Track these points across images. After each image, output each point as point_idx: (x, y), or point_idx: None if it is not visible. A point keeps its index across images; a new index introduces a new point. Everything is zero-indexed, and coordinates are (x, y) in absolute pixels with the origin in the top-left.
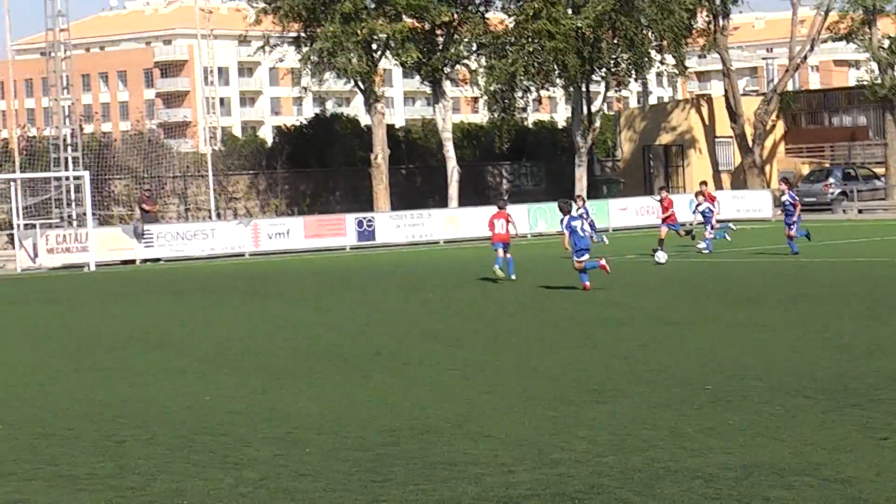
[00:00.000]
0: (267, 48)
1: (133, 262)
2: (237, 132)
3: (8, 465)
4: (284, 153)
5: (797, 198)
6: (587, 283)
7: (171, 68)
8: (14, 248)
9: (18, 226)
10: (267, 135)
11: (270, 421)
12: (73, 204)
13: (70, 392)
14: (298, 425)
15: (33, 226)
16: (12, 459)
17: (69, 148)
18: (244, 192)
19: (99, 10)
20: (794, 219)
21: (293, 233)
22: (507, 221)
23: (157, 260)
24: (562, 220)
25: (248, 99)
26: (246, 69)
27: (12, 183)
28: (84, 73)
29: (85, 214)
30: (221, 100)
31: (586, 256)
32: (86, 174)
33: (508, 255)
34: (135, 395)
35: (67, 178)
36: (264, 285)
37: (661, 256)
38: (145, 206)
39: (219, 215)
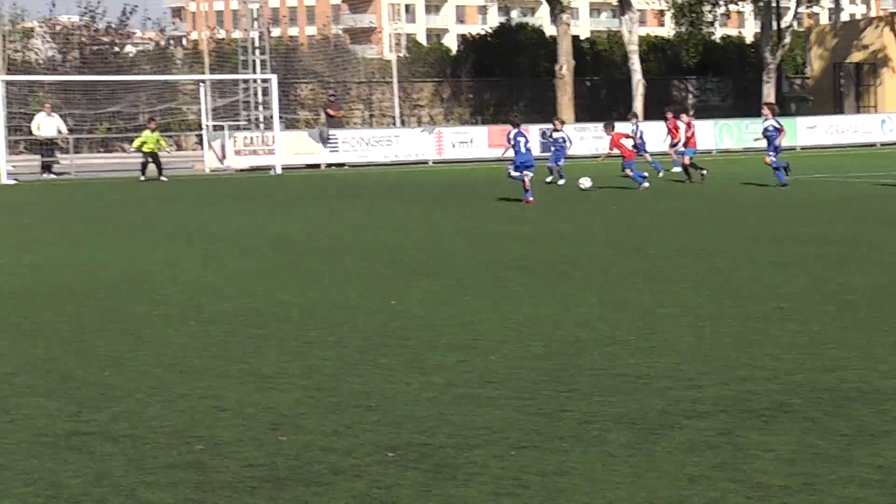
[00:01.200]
0: None
1: (318, 166)
2: (422, 39)
3: (201, 361)
4: (469, 62)
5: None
6: (530, 199)
7: None
8: (203, 148)
9: (207, 127)
10: (451, 43)
11: (454, 328)
12: (261, 107)
13: (257, 292)
14: (482, 333)
15: (221, 127)
16: (205, 356)
17: (257, 51)
18: (428, 100)
19: None
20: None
21: (476, 141)
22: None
23: (342, 165)
24: (508, 134)
25: (433, 6)
26: None
27: (201, 84)
28: None
29: (272, 117)
30: (407, 6)
31: (527, 174)
32: (273, 77)
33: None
34: (320, 298)
35: (255, 81)
36: (447, 193)
37: (585, 182)
38: (330, 111)
39: (402, 122)
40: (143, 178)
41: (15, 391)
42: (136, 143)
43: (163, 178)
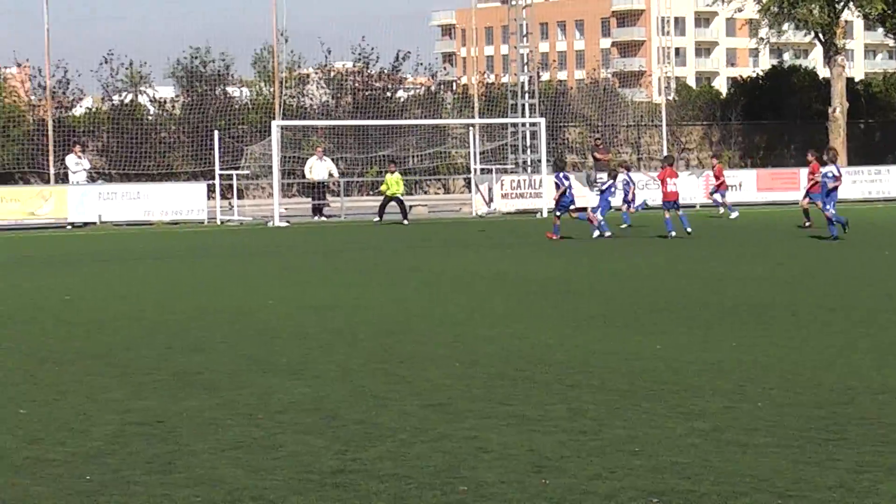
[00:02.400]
0: None
1: (584, 209)
2: (691, 82)
3: (465, 402)
4: (739, 104)
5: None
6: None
7: (627, 17)
8: (470, 192)
9: (475, 170)
10: (721, 86)
11: (720, 373)
12: (528, 150)
13: (521, 334)
14: (748, 379)
15: (489, 170)
16: (469, 397)
17: (526, 95)
18: (697, 143)
19: None
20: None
21: (745, 185)
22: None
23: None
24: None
25: (703, 49)
26: (703, 19)
27: (471, 128)
28: (542, 22)
29: (539, 161)
30: (677, 50)
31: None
32: (542, 121)
33: (679, 213)
34: (584, 341)
35: (524, 125)
36: (713, 237)
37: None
38: (598, 155)
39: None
40: (377, 220)
41: (283, 428)
42: (382, 187)
43: (405, 223)
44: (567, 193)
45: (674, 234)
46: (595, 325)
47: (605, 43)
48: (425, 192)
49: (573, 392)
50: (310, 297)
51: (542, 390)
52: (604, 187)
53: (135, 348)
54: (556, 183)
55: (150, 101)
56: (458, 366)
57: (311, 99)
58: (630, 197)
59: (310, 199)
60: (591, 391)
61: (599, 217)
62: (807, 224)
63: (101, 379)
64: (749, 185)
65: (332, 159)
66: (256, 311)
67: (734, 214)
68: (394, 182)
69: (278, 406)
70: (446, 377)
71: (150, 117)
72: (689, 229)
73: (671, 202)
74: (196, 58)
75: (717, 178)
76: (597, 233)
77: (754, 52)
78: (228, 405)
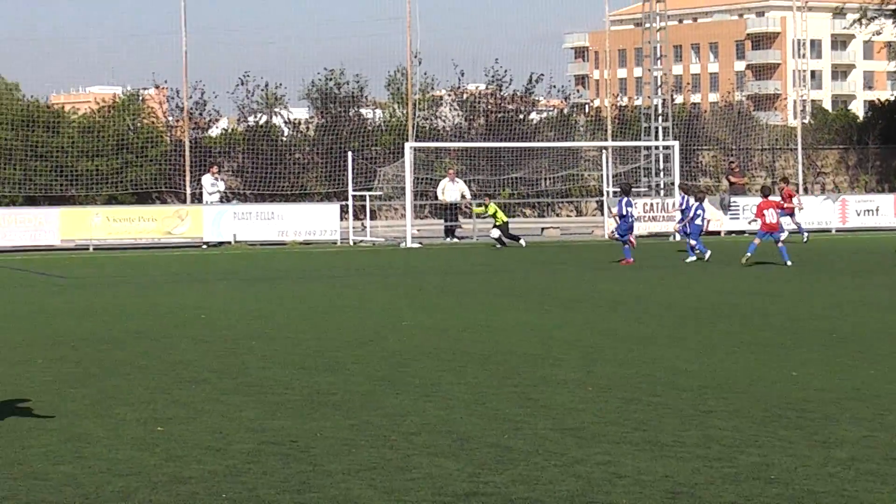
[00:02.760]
0: (863, 21)
1: (718, 233)
2: (827, 106)
3: (598, 426)
4: (877, 128)
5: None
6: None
7: (762, 40)
8: (602, 214)
9: (607, 193)
10: (858, 109)
11: (858, 401)
12: (661, 173)
13: (654, 359)
14: (888, 408)
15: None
16: (602, 422)
17: (659, 118)
18: (833, 167)
19: None
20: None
21: (883, 210)
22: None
23: (742, 232)
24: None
25: (839, 72)
26: (839, 42)
27: (604, 150)
28: (676, 45)
29: (672, 184)
30: (812, 73)
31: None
32: (675, 144)
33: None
34: (718, 366)
35: (657, 148)
36: (851, 262)
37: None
38: (732, 178)
39: (806, 190)
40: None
41: (416, 450)
42: (480, 210)
43: (522, 243)
44: (626, 220)
45: (744, 259)
46: (729, 349)
47: (740, 66)
48: (557, 215)
49: (708, 418)
50: (442, 319)
51: (676, 416)
52: (690, 213)
53: (269, 367)
54: (619, 209)
55: (285, 122)
56: (591, 390)
57: (444, 121)
58: (687, 220)
59: (442, 221)
60: (725, 417)
61: (692, 242)
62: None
63: (236, 398)
64: (886, 210)
65: (465, 181)
66: (389, 333)
67: (784, 235)
68: (493, 209)
69: (411, 428)
70: (579, 401)
71: (284, 138)
72: (788, 262)
73: (767, 233)
74: (330, 79)
75: (785, 200)
76: (692, 258)
77: (893, 76)
78: (362, 426)
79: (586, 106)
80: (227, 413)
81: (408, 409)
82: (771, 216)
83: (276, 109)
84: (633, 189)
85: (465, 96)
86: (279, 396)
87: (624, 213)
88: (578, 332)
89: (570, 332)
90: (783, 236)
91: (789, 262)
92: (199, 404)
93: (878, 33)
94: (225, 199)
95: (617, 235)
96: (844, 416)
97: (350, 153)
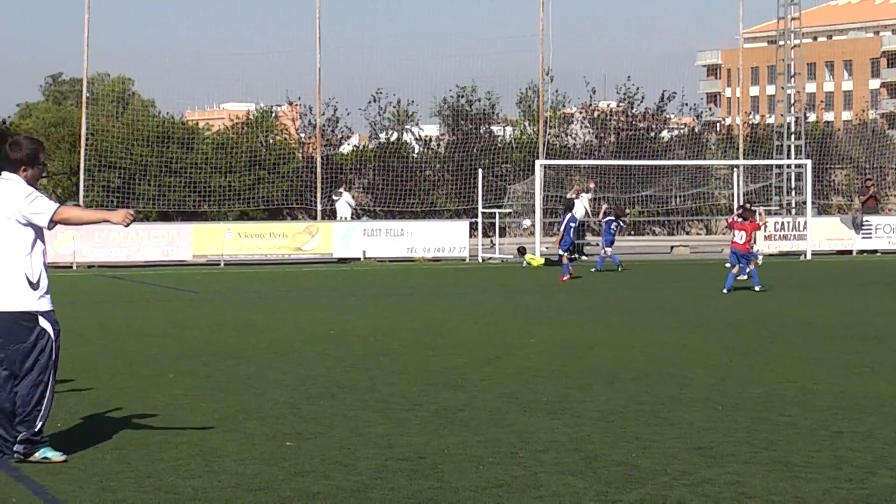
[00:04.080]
0: None
1: (849, 252)
2: None
3: (727, 446)
4: None
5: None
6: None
7: None
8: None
9: (737, 210)
10: None
11: None
12: (793, 192)
13: (784, 378)
14: None
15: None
16: (731, 441)
17: (792, 136)
18: None
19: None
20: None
21: None
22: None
23: (874, 252)
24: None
25: None
26: None
27: (735, 169)
28: (810, 62)
29: (804, 203)
30: None
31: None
32: (808, 162)
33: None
34: (849, 387)
35: (789, 167)
36: None
37: None
38: (863, 198)
39: None
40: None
41: (544, 468)
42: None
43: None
44: (567, 236)
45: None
46: (860, 369)
47: (875, 84)
48: (687, 233)
49: (839, 439)
50: (570, 336)
51: (806, 436)
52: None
53: (397, 383)
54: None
55: (416, 139)
56: (720, 409)
57: (575, 138)
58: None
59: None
60: (857, 438)
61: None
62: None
63: (364, 413)
64: None
65: (594, 198)
66: (517, 350)
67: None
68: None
69: (539, 445)
70: (708, 420)
71: (414, 155)
72: (756, 287)
73: (734, 252)
74: (462, 97)
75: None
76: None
77: None
78: (489, 443)
79: (717, 124)
80: (355, 429)
81: (535, 427)
82: (739, 236)
83: (408, 126)
84: (614, 213)
85: (595, 114)
86: (407, 412)
87: (563, 229)
88: (706, 350)
89: (698, 351)
90: (759, 260)
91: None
92: (327, 419)
93: None
94: (355, 215)
95: (560, 251)
96: None
97: (480, 170)
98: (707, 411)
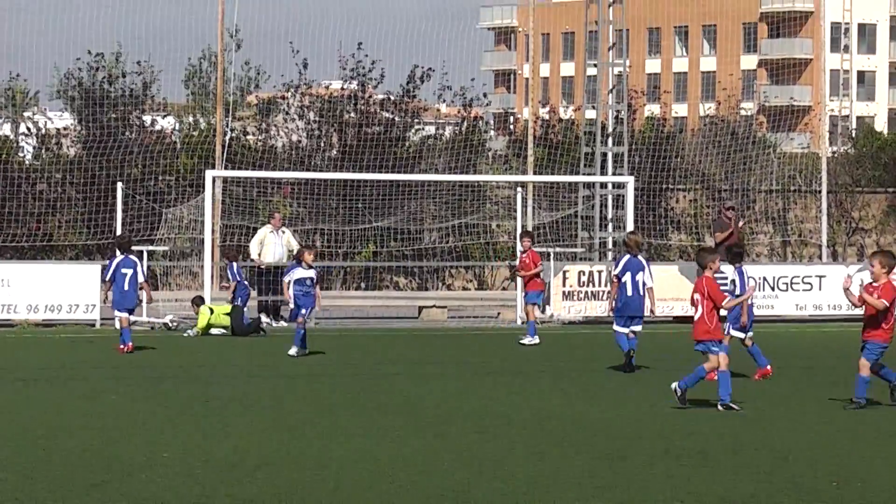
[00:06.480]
0: None
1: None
2: (881, 125)
3: None
4: None
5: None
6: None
7: (785, 24)
8: (517, 288)
9: (521, 252)
10: None
11: None
12: (609, 225)
13: None
14: None
15: (546, 255)
16: None
17: (609, 139)
18: (877, 220)
19: None
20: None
21: None
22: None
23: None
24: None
25: None
26: None
27: (520, 188)
28: (652, 27)
29: (626, 243)
30: (860, 74)
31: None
32: (629, 180)
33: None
34: None
35: (604, 186)
36: None
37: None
38: (719, 235)
39: (834, 254)
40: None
41: None
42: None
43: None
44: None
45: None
46: None
47: (750, 61)
48: (448, 287)
49: None
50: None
51: None
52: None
53: None
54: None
55: (28, 133)
56: None
57: (275, 138)
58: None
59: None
60: None
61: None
62: None
63: None
64: None
65: (296, 230)
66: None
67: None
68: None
69: None
70: None
71: (28, 160)
72: (535, 339)
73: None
74: (97, 68)
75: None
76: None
77: None
78: None
79: (508, 119)
80: None
81: None
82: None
83: (29, 113)
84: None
85: (307, 100)
86: None
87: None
88: None
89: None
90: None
91: (532, 341)
92: None
93: None
94: None
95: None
96: None
97: (120, 184)
98: None
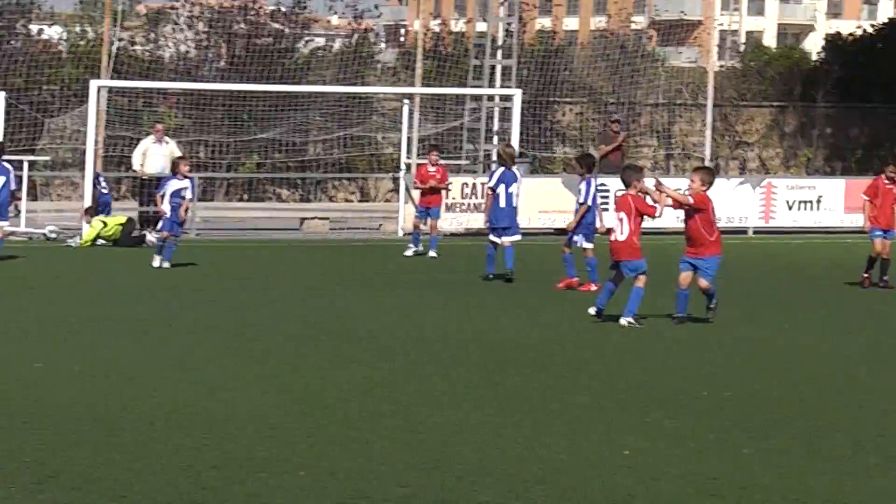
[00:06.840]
0: None
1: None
2: (770, 41)
3: None
4: (831, 77)
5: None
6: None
7: None
8: (399, 199)
9: (408, 166)
10: (815, 46)
11: None
12: (495, 137)
13: None
14: None
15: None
16: None
17: (499, 52)
18: (761, 135)
19: None
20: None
21: (827, 202)
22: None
23: (609, 231)
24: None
25: None
26: None
27: (406, 100)
28: None
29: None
30: None
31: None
32: (517, 93)
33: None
34: None
35: (490, 99)
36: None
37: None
38: (603, 148)
39: (717, 168)
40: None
41: None
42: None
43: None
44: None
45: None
46: None
47: None
48: (330, 198)
49: None
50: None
51: None
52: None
53: None
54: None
55: None
56: None
57: (163, 48)
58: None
59: (137, 204)
60: None
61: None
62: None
63: None
64: (833, 202)
65: (187, 142)
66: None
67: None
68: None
69: None
70: None
71: None
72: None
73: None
74: None
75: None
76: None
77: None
78: None
79: (402, 31)
80: None
81: None
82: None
83: None
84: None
85: (198, 10)
86: None
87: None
88: None
89: None
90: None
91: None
92: None
93: None
94: None
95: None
96: None
97: (2, 94)
98: None
